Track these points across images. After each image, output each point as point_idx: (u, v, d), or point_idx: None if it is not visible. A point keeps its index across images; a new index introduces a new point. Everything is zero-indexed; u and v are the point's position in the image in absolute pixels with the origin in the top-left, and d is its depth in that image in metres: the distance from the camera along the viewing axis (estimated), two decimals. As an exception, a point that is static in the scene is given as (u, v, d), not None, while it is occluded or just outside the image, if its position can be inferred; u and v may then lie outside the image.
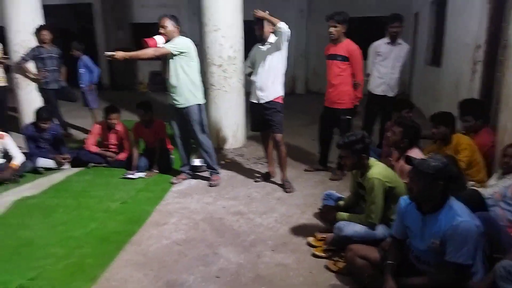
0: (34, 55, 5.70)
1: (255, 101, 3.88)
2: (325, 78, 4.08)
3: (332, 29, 3.81)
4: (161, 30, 3.75)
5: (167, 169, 4.52)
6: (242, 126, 5.52)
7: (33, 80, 5.88)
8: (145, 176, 4.33)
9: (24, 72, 5.81)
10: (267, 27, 3.69)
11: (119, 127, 4.68)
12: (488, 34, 4.05)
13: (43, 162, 4.48)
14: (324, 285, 2.40)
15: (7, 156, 4.31)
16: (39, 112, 4.50)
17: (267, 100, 3.78)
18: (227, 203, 3.63)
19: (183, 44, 3.78)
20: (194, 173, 4.39)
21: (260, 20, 3.67)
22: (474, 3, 4.46)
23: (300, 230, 3.06)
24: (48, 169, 4.52)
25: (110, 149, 4.75)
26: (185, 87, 3.84)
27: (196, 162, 4.51)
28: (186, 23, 11.36)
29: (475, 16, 4.35)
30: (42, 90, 5.90)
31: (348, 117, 3.98)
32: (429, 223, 2.05)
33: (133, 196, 3.82)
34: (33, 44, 5.76)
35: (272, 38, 3.72)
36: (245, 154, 5.22)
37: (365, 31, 7.37)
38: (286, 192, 3.84)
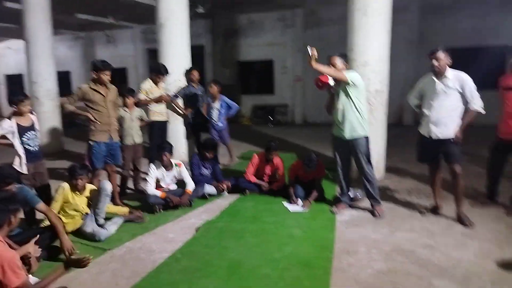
0: (185, 93, 6.35)
1: (425, 135, 3.86)
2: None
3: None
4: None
5: (322, 198, 4.64)
6: (383, 158, 5.52)
7: (180, 115, 6.53)
8: (303, 209, 4.40)
9: (174, 108, 6.48)
10: (443, 60, 3.63)
11: (276, 160, 4.99)
12: None
13: (209, 188, 4.87)
14: None
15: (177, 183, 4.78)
16: (206, 143, 4.95)
17: (446, 135, 3.69)
18: (408, 235, 3.60)
19: (357, 76, 3.97)
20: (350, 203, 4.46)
21: (434, 53, 3.65)
22: None
23: (510, 267, 2.91)
24: (211, 195, 4.90)
25: (264, 180, 5.04)
26: (355, 119, 3.99)
27: (350, 192, 4.57)
28: (289, 59, 11.95)
29: None
30: (188, 124, 6.51)
31: None
32: None
33: (306, 224, 3.96)
34: (183, 83, 6.45)
35: (450, 73, 3.64)
36: (389, 186, 5.17)
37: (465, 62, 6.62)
38: (466, 227, 3.70)
